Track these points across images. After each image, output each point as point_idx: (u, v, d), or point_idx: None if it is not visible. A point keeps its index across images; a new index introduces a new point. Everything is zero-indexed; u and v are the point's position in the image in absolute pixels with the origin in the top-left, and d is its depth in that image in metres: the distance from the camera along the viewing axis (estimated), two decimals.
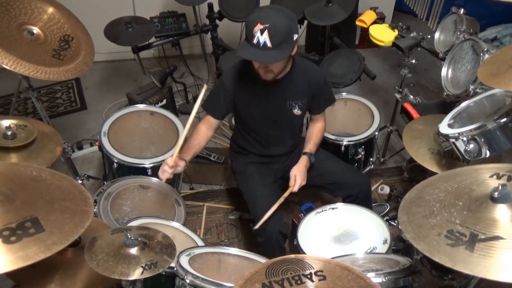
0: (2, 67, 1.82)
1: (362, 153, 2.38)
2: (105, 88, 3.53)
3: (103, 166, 2.46)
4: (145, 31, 2.68)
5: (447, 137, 1.68)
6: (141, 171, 2.18)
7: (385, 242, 1.74)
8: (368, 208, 2.00)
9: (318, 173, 2.06)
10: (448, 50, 2.16)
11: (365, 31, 2.67)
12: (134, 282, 1.35)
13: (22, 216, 1.10)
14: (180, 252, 1.58)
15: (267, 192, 1.98)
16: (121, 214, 2.10)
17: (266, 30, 1.57)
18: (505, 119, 1.51)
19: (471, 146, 1.59)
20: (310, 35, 3.46)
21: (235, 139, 2.17)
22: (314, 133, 2.08)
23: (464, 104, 1.84)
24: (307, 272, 1.18)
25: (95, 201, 1.97)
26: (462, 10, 2.15)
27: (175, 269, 1.50)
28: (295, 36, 1.66)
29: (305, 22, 2.76)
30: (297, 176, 1.93)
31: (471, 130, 1.58)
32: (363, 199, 2.05)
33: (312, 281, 1.15)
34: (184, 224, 2.03)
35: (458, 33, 2.10)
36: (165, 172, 1.80)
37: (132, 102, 2.78)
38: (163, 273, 1.38)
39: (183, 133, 1.85)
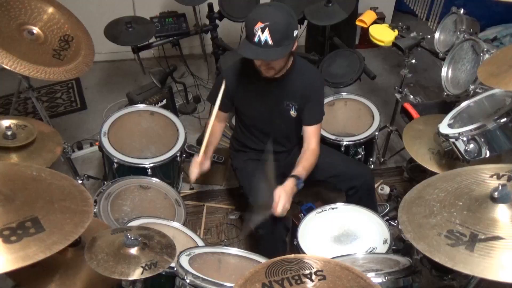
0: (2, 67, 1.82)
1: (362, 153, 2.39)
2: (105, 88, 3.53)
3: (103, 166, 2.46)
4: (145, 31, 2.68)
5: (447, 137, 1.68)
6: (141, 171, 2.18)
7: (385, 242, 1.74)
8: (372, 201, 2.01)
9: (319, 167, 2.06)
10: (448, 50, 2.16)
11: (365, 31, 2.66)
12: (134, 282, 1.35)
13: (22, 216, 1.10)
14: (180, 252, 1.58)
15: (268, 187, 1.98)
16: (121, 214, 2.10)
17: (267, 28, 1.58)
18: (505, 119, 1.51)
19: (471, 146, 1.59)
20: (310, 35, 3.46)
21: (235, 136, 2.19)
22: (305, 156, 1.93)
23: (464, 104, 1.84)
24: (307, 272, 1.18)
25: (95, 201, 1.98)
26: (462, 10, 2.15)
27: (175, 269, 1.50)
28: (295, 32, 1.68)
29: (305, 22, 2.76)
30: (282, 196, 1.75)
31: (471, 130, 1.58)
32: (366, 190, 2.06)
33: (312, 281, 1.15)
34: (184, 224, 2.03)
35: (458, 33, 2.10)
36: (193, 173, 1.93)
37: (132, 102, 2.78)
38: (163, 273, 1.38)
39: (207, 133, 1.93)
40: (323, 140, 2.38)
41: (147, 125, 2.45)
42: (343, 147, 2.33)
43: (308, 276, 1.16)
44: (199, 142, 2.90)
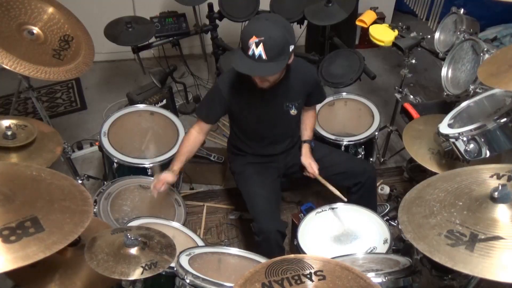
0: (2, 67, 1.82)
1: (362, 153, 2.39)
2: (105, 88, 3.53)
3: (103, 166, 2.46)
4: (145, 31, 2.68)
5: (447, 137, 1.67)
6: (141, 171, 2.18)
7: (385, 242, 1.74)
8: (373, 197, 2.04)
9: (322, 166, 2.06)
10: (448, 50, 2.16)
11: (365, 31, 2.67)
12: (134, 282, 1.35)
13: (22, 215, 1.10)
14: (180, 252, 1.58)
15: (265, 192, 1.98)
16: (121, 214, 2.10)
17: (261, 44, 1.55)
18: (505, 119, 1.51)
19: (471, 146, 1.59)
20: (310, 35, 3.46)
21: (231, 141, 2.17)
22: (309, 120, 2.13)
23: (464, 104, 1.84)
24: (307, 272, 1.18)
25: (95, 201, 1.98)
26: (462, 10, 2.15)
27: (175, 269, 1.50)
28: (291, 47, 1.64)
29: (305, 22, 2.76)
30: (312, 163, 2.03)
31: (471, 130, 1.58)
32: (370, 186, 2.09)
33: (312, 281, 1.15)
34: (184, 224, 2.03)
35: (458, 33, 2.10)
36: (155, 191, 1.92)
37: (132, 102, 2.78)
38: (163, 273, 1.38)
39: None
40: (323, 140, 2.38)
41: (147, 125, 2.45)
42: (343, 147, 2.33)
43: (308, 276, 1.16)
44: None
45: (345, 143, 2.33)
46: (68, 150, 2.27)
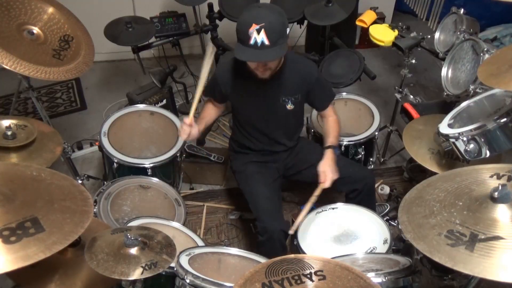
0: (2, 67, 1.82)
1: (362, 153, 2.38)
2: (105, 88, 3.53)
3: (103, 166, 2.46)
4: (145, 31, 2.68)
5: (447, 137, 1.67)
6: (141, 171, 2.18)
7: (385, 242, 1.74)
8: (372, 203, 2.00)
9: None
10: (448, 50, 2.16)
11: (365, 31, 2.67)
12: (134, 282, 1.35)
13: (22, 216, 1.10)
14: (180, 252, 1.58)
15: (268, 192, 1.98)
16: (121, 214, 2.10)
17: (263, 29, 1.57)
18: (505, 119, 1.51)
19: (471, 146, 1.59)
20: (310, 35, 3.46)
21: (234, 137, 2.18)
22: (331, 126, 2.06)
23: (464, 104, 1.84)
24: (307, 271, 1.18)
25: (95, 201, 1.98)
26: (462, 10, 2.15)
27: (175, 269, 1.50)
28: (288, 30, 1.69)
29: (305, 22, 2.76)
30: (327, 171, 1.89)
31: (471, 130, 1.58)
32: (367, 193, 2.06)
33: (312, 280, 1.15)
34: (184, 224, 2.03)
35: (458, 33, 2.10)
36: (184, 131, 1.80)
37: (132, 102, 2.78)
38: (163, 273, 1.38)
39: (198, 92, 1.81)
40: (323, 140, 2.38)
41: (147, 125, 2.45)
42: (343, 147, 2.33)
43: (308, 276, 1.16)
44: (199, 142, 2.90)
45: (345, 143, 2.33)
46: (68, 150, 2.27)
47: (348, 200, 2.09)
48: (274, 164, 2.11)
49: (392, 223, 2.33)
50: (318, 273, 1.18)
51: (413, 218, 1.21)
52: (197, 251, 1.67)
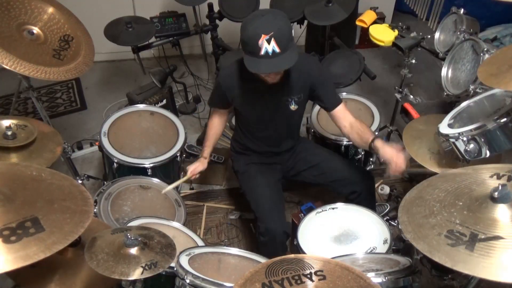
0: (2, 67, 1.82)
1: (362, 153, 2.39)
2: (105, 88, 3.53)
3: (103, 166, 2.46)
4: (145, 31, 2.68)
5: (447, 137, 1.67)
6: (141, 171, 2.18)
7: (385, 242, 1.74)
8: (372, 205, 1.99)
9: (321, 172, 2.06)
10: (448, 50, 2.16)
11: (365, 31, 2.66)
12: (134, 282, 1.35)
13: (22, 216, 1.10)
14: (180, 252, 1.58)
15: (270, 193, 1.98)
16: (121, 214, 2.10)
17: (273, 38, 1.56)
18: (505, 119, 1.51)
19: (471, 146, 1.58)
20: (310, 35, 3.46)
21: (236, 138, 2.18)
22: (360, 126, 1.90)
23: (464, 104, 1.84)
24: (307, 272, 1.18)
25: (95, 201, 1.98)
26: (462, 10, 2.15)
27: (175, 269, 1.50)
28: (292, 32, 1.71)
29: (305, 22, 2.76)
30: (394, 156, 1.78)
31: (471, 130, 1.58)
32: (367, 195, 2.06)
33: (312, 280, 1.15)
34: (184, 224, 2.03)
35: (458, 33, 2.10)
36: (196, 169, 2.06)
37: (132, 102, 2.78)
38: (163, 273, 1.38)
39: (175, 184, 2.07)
40: (323, 140, 2.38)
41: (147, 125, 2.45)
42: (343, 147, 2.33)
43: (308, 276, 1.16)
44: (199, 142, 2.90)
45: (345, 143, 2.33)
46: (68, 150, 2.27)
47: (348, 202, 2.09)
48: (276, 165, 2.11)
49: (392, 223, 2.33)
50: (318, 273, 1.18)
51: (413, 218, 1.21)
52: (197, 251, 1.67)
